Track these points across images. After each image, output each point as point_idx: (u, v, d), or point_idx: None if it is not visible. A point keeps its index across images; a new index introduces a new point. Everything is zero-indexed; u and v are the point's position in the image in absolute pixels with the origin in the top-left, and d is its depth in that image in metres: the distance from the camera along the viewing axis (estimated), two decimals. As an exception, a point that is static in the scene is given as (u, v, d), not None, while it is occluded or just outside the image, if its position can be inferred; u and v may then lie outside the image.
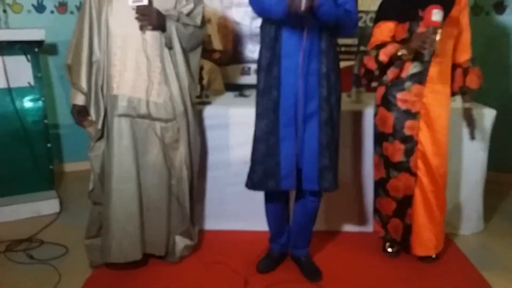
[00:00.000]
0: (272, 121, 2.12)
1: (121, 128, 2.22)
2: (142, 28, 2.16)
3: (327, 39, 2.06)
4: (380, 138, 2.41)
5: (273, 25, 2.08)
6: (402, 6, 2.23)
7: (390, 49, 2.22)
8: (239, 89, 3.26)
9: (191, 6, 2.30)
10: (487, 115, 2.68)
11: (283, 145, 2.11)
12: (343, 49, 3.65)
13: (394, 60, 2.24)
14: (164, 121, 2.27)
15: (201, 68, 2.90)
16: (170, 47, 2.24)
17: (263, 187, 2.17)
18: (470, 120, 2.46)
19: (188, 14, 2.30)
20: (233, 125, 2.66)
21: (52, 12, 3.67)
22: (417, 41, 2.12)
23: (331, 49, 2.09)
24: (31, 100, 3.11)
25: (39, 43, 3.07)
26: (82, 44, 2.21)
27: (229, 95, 3.15)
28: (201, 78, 2.89)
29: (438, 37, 2.10)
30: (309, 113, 2.09)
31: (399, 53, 2.20)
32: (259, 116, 2.18)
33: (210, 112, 2.69)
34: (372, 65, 2.29)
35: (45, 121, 3.15)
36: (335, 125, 2.16)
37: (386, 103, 2.34)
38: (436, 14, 2.06)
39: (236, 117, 2.66)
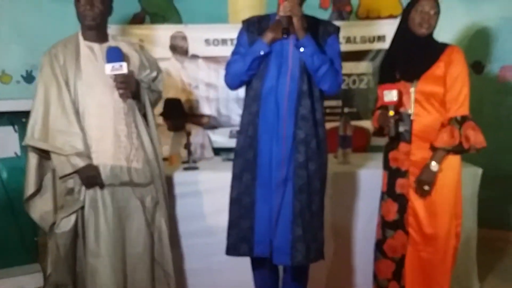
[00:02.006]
0: (247, 181, 2.09)
1: (104, 199, 2.18)
2: (122, 96, 2.16)
3: (307, 105, 2.06)
4: (380, 197, 2.42)
5: (254, 87, 2.11)
6: (390, 68, 2.32)
7: (376, 115, 2.34)
8: (228, 153, 3.28)
9: (154, 74, 2.38)
10: (474, 174, 2.70)
11: (258, 207, 2.07)
12: (328, 110, 3.71)
13: (382, 125, 2.31)
14: (144, 186, 2.27)
15: (189, 133, 2.93)
16: (144, 113, 2.29)
17: (236, 252, 2.11)
18: (422, 176, 2.22)
19: (152, 81, 2.37)
20: (218, 191, 2.64)
21: (40, 74, 3.71)
22: (380, 117, 2.26)
23: (313, 115, 2.09)
24: (17, 171, 3.08)
25: (27, 113, 3.08)
26: (65, 107, 2.12)
27: (217, 160, 3.15)
28: (188, 144, 2.91)
29: (391, 114, 2.20)
30: (284, 178, 2.05)
31: (374, 124, 2.34)
32: (235, 177, 2.16)
33: (196, 178, 2.68)
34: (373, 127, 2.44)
35: (31, 191, 3.11)
36: (314, 192, 2.10)
37: (384, 162, 2.39)
38: (387, 95, 2.17)
39: (221, 182, 2.64)
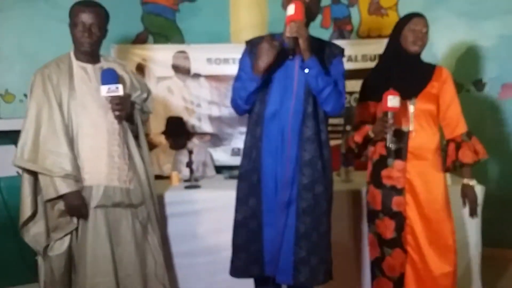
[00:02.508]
0: (253, 206, 2.08)
1: (96, 220, 2.16)
2: (117, 118, 2.16)
3: (312, 126, 2.07)
4: (372, 215, 2.38)
5: (257, 111, 2.11)
6: (377, 86, 2.29)
7: (363, 130, 2.31)
8: (230, 171, 3.28)
9: (144, 95, 2.39)
10: (476, 192, 2.66)
11: (267, 231, 2.06)
12: (330, 128, 3.69)
13: (368, 140, 2.30)
14: (135, 207, 2.26)
15: (191, 152, 2.93)
16: (136, 133, 2.29)
17: (248, 274, 2.10)
18: (469, 197, 2.34)
19: (143, 102, 2.40)
20: (221, 209, 2.63)
21: (31, 93, 3.72)
22: (378, 126, 2.20)
23: (318, 136, 2.08)
24: (19, 189, 3.07)
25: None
26: (56, 128, 2.10)
27: (219, 178, 3.14)
28: (190, 162, 2.91)
29: (391, 121, 2.15)
30: (287, 201, 2.05)
31: (370, 134, 2.27)
32: (239, 200, 2.15)
33: (198, 196, 2.68)
34: (351, 144, 2.38)
35: (32, 210, 3.10)
36: (322, 214, 2.09)
37: (374, 180, 2.35)
38: (391, 100, 2.13)
39: (224, 200, 2.63)
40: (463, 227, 2.64)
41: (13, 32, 3.61)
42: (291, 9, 1.94)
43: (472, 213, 2.35)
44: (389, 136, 2.16)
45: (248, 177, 2.12)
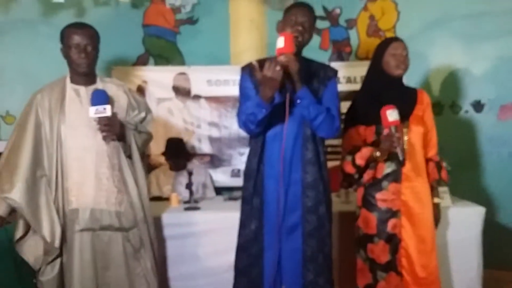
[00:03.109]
0: (255, 229, 2.09)
1: (82, 243, 2.14)
2: (105, 139, 2.13)
3: (313, 148, 2.09)
4: (364, 240, 2.35)
5: (259, 134, 2.12)
6: (366, 110, 2.31)
7: (365, 152, 2.27)
8: (229, 192, 3.27)
9: (142, 115, 2.35)
10: (477, 213, 2.67)
11: (267, 255, 2.06)
12: (329, 149, 3.72)
13: (370, 162, 2.28)
14: (126, 230, 2.22)
15: (190, 173, 2.93)
16: (129, 155, 2.24)
17: None
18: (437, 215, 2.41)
19: (141, 122, 2.35)
20: (221, 231, 2.62)
21: (21, 116, 3.72)
22: (386, 142, 2.19)
23: (318, 158, 2.10)
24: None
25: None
26: (21, 156, 2.09)
27: (219, 199, 3.14)
28: (190, 184, 2.90)
29: (402, 133, 2.19)
30: (291, 224, 2.05)
31: (374, 155, 2.24)
32: (242, 223, 2.16)
33: (198, 218, 2.67)
34: (350, 169, 2.32)
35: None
36: (325, 236, 2.10)
37: (367, 204, 2.34)
38: (390, 115, 2.14)
39: (224, 222, 2.62)
40: (464, 249, 2.63)
41: (14, 54, 3.66)
42: (280, 42, 1.92)
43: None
44: (399, 150, 2.17)
45: (250, 200, 2.13)
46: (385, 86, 2.31)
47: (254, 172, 2.11)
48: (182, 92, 3.77)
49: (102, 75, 2.37)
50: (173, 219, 2.66)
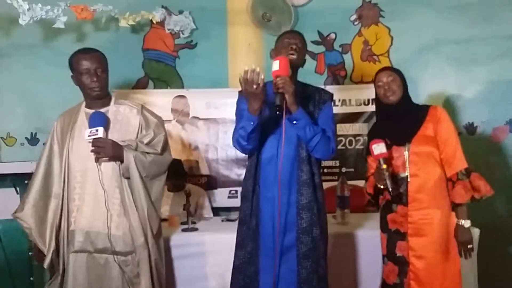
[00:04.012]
0: (251, 250, 2.11)
1: (76, 265, 2.16)
2: (97, 160, 2.16)
3: (308, 170, 2.13)
4: (382, 260, 2.42)
5: (254, 156, 2.17)
6: (378, 136, 2.34)
7: (371, 181, 2.38)
8: (227, 212, 3.28)
9: (151, 135, 2.33)
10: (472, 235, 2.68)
11: (262, 276, 2.08)
12: (325, 170, 3.78)
13: (378, 190, 2.36)
14: (124, 254, 2.20)
15: (188, 194, 2.95)
16: (127, 177, 2.22)
17: None
18: (461, 238, 2.26)
19: (149, 143, 2.32)
20: (218, 252, 2.63)
21: (45, 144, 3.76)
22: (375, 175, 2.28)
23: (313, 179, 2.14)
24: (17, 232, 3.08)
25: (30, 175, 3.13)
26: (34, 181, 2.28)
27: (216, 220, 3.16)
28: (187, 205, 2.93)
29: (384, 166, 2.21)
30: (286, 246, 2.08)
31: (376, 184, 2.31)
32: (238, 245, 2.18)
33: (196, 239, 2.69)
34: (367, 195, 2.47)
35: (29, 253, 3.10)
36: (320, 257, 2.13)
37: (382, 225, 2.40)
38: (375, 148, 2.22)
39: (221, 243, 2.63)
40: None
41: (15, 77, 3.72)
42: (275, 65, 1.99)
43: (465, 255, 2.28)
44: (388, 182, 2.21)
45: (247, 222, 2.16)
46: (386, 115, 2.38)
47: (250, 194, 2.15)
48: (180, 114, 3.83)
49: (118, 97, 2.41)
50: (170, 240, 2.67)
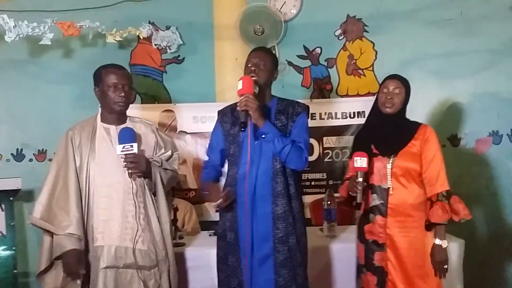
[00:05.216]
0: (233, 263, 2.16)
1: (106, 281, 2.14)
2: (131, 175, 2.18)
3: (282, 181, 2.18)
4: (358, 270, 2.42)
5: (230, 173, 2.25)
6: (361, 143, 2.41)
7: (344, 185, 2.42)
8: (215, 226, 3.26)
9: (169, 153, 2.41)
10: (457, 246, 2.71)
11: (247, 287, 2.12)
12: (313, 183, 3.80)
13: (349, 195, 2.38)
14: (148, 269, 2.22)
15: (176, 209, 2.95)
16: (154, 192, 2.28)
17: None
18: (436, 257, 2.27)
19: (167, 160, 2.39)
20: (205, 267, 2.60)
21: (30, 160, 3.75)
22: (350, 184, 2.32)
23: (288, 190, 2.20)
24: (2, 250, 3.05)
25: (15, 192, 3.11)
26: (71, 195, 2.17)
27: (204, 235, 3.15)
28: (175, 220, 2.92)
29: (359, 180, 2.24)
30: (262, 256, 2.13)
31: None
32: (220, 259, 2.24)
33: (183, 254, 2.66)
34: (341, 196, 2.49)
35: (15, 271, 3.06)
36: (297, 266, 2.17)
37: (359, 235, 2.41)
38: (357, 161, 2.25)
39: (208, 258, 2.60)
40: (446, 282, 2.65)
41: (0, 93, 3.69)
42: (239, 85, 2.13)
43: (439, 275, 2.28)
44: (359, 195, 2.25)
45: (225, 236, 2.21)
46: (378, 122, 2.39)
47: (228, 207, 2.21)
48: (168, 128, 3.84)
49: (132, 116, 2.43)
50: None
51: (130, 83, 2.32)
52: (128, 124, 2.34)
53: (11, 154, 3.72)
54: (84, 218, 2.19)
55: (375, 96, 2.48)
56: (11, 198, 3.12)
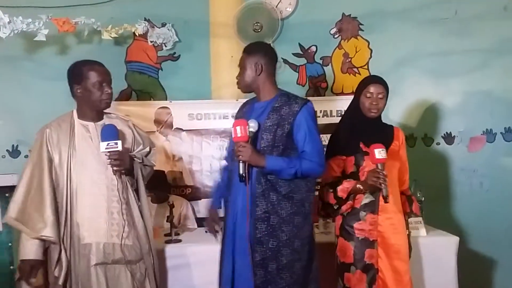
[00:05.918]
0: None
1: (99, 278, 2.16)
2: (116, 172, 2.19)
3: (284, 185, 2.16)
4: (341, 269, 2.42)
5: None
6: (346, 141, 2.42)
7: (346, 185, 2.37)
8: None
9: (147, 149, 2.42)
10: (451, 243, 2.75)
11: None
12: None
13: (351, 193, 2.37)
14: (134, 263, 2.25)
15: (172, 206, 2.96)
16: (136, 188, 2.31)
17: None
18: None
19: (145, 156, 2.42)
20: (201, 264, 2.65)
21: (26, 156, 3.73)
22: (373, 178, 2.27)
23: (289, 195, 2.18)
24: (-2, 246, 3.05)
25: (11, 188, 3.10)
26: (46, 195, 2.15)
27: (200, 231, 3.16)
28: (171, 216, 2.93)
29: (385, 172, 2.27)
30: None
31: (358, 187, 2.34)
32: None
33: (179, 251, 2.70)
34: (332, 200, 2.41)
35: (11, 267, 3.05)
36: (299, 267, 2.21)
37: (345, 233, 2.41)
38: (380, 153, 2.25)
39: (205, 254, 2.65)
40: (440, 278, 2.69)
41: (-3, 90, 3.68)
42: (233, 132, 2.11)
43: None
44: (384, 186, 2.24)
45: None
46: (363, 123, 2.42)
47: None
48: (164, 125, 3.84)
49: (107, 112, 2.40)
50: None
51: (111, 78, 2.30)
52: (105, 120, 2.32)
53: (7, 150, 3.72)
54: (61, 219, 2.18)
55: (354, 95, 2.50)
56: (6, 195, 3.09)
